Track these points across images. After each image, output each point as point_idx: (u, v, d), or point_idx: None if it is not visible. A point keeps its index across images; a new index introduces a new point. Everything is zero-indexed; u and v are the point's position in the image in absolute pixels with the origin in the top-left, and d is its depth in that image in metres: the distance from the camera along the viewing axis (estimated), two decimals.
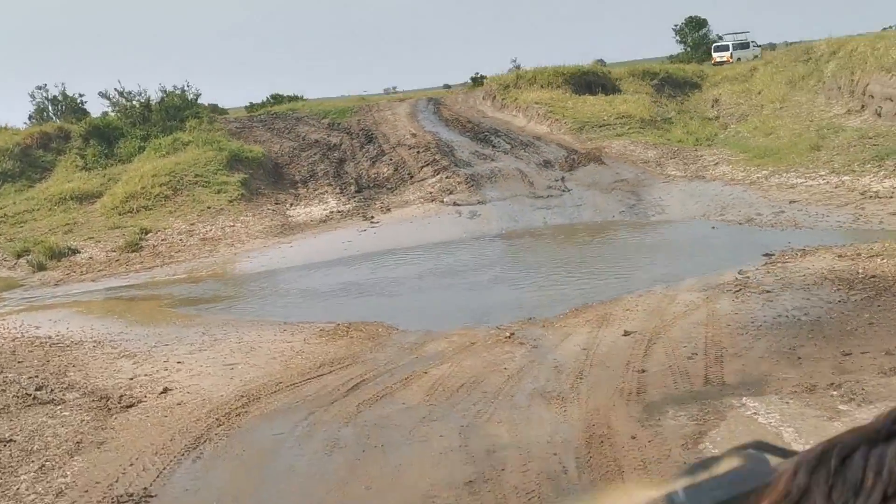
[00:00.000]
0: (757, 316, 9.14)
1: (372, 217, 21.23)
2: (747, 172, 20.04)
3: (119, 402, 8.17)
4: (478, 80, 68.25)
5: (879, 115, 22.01)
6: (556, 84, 34.33)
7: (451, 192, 22.45)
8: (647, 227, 17.05)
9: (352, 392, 8.17)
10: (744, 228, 15.49)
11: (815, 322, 8.69)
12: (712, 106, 33.99)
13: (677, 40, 72.38)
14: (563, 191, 21.43)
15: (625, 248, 15.42)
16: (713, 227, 15.82)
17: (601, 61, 40.05)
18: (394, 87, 78.93)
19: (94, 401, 8.45)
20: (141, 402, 8.18)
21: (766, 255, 12.82)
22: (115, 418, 7.91)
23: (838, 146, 20.36)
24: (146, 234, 21.07)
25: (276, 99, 62.59)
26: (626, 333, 8.96)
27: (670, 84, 40.11)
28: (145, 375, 9.42)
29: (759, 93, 31.64)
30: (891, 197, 15.64)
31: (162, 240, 20.55)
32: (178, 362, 10.00)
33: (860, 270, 10.71)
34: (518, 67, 41.73)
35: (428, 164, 26.32)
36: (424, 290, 13.82)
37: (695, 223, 16.63)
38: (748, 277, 11.29)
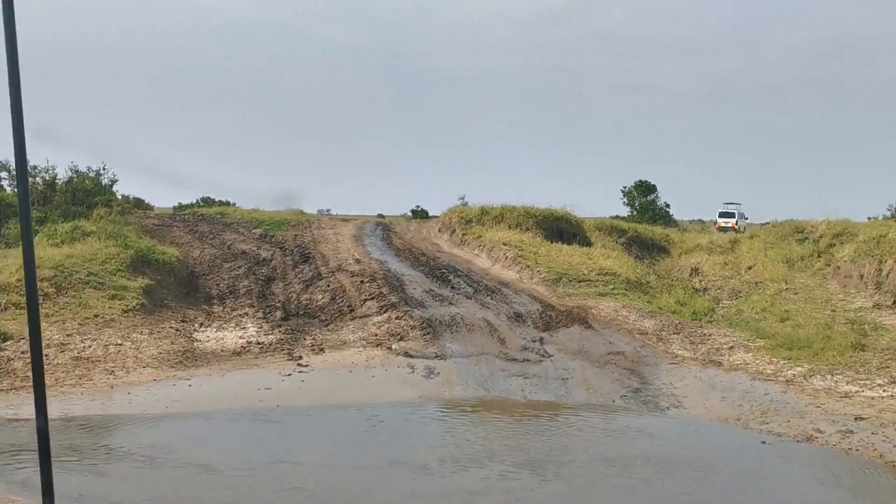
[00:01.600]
0: None
1: (300, 358, 16.87)
2: (776, 366, 16.31)
3: None
4: (419, 213, 65.37)
5: None
6: (526, 226, 30.90)
7: (401, 338, 18.30)
8: (668, 428, 13.02)
9: None
10: (805, 450, 11.54)
11: None
12: (691, 275, 30.81)
13: (624, 202, 71.59)
14: (543, 356, 17.44)
15: (650, 457, 11.19)
16: (763, 443, 11.84)
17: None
18: (328, 210, 75.78)
19: None
20: None
21: None
22: None
23: (888, 349, 16.87)
24: (5, 341, 16.39)
25: (207, 202, 58.84)
26: None
27: (638, 244, 37.31)
28: None
29: (750, 268, 28.54)
30: None
31: (22, 352, 15.84)
32: None
33: None
34: (466, 204, 38.35)
35: (373, 298, 22.26)
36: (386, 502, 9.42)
37: (731, 430, 12.65)
38: None
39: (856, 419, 12.75)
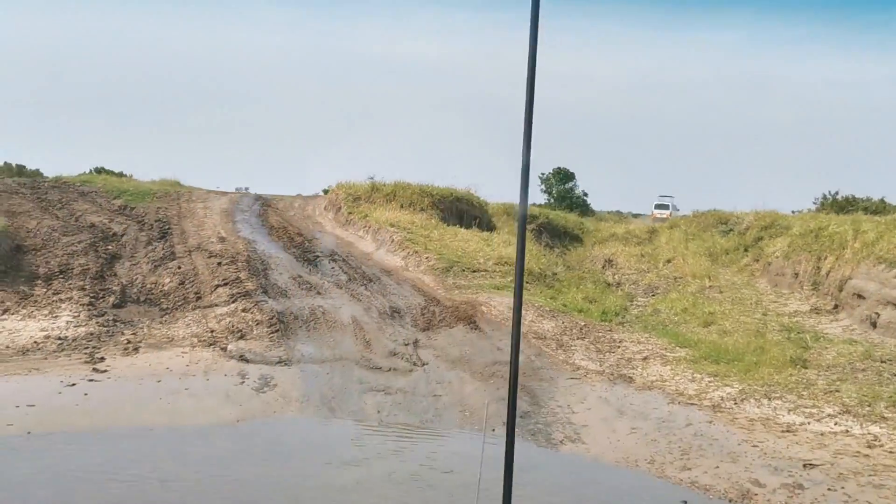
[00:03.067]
0: None
1: (101, 360, 13.29)
2: (701, 384, 13.23)
3: None
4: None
5: (874, 324, 15.90)
6: (421, 206, 27.52)
7: (242, 336, 14.85)
8: (559, 476, 9.80)
9: None
10: None
11: None
12: (604, 267, 27.94)
13: (542, 189, 69.71)
14: (415, 364, 14.14)
15: None
16: (685, 503, 8.72)
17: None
18: (246, 188, 71.97)
19: None
20: None
21: None
22: None
23: (834, 366, 13.92)
24: None
25: (100, 172, 54.72)
26: None
27: (549, 232, 34.43)
28: None
29: (669, 262, 25.70)
30: None
31: None
32: None
33: None
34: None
35: (226, 284, 18.77)
36: None
37: (642, 479, 9.49)
38: None
39: (805, 466, 9.72)
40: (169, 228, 26.06)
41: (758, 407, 12.04)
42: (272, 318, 15.65)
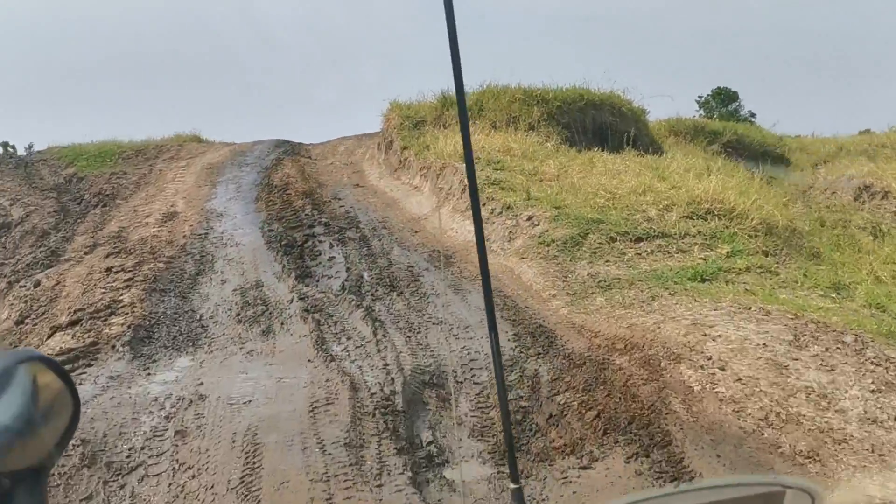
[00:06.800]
0: None
1: None
2: None
3: None
4: None
5: None
6: (529, 121, 16.00)
7: None
8: None
9: None
10: None
11: None
12: (858, 199, 16.36)
13: (701, 114, 58.57)
14: None
15: None
16: None
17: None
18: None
19: None
20: None
21: None
22: None
23: None
24: None
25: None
26: None
27: (740, 154, 22.75)
28: None
29: None
30: None
31: None
32: None
33: None
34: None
35: (79, 321, 8.37)
36: None
37: None
38: None
39: None
40: (104, 205, 15.96)
41: None
42: None
